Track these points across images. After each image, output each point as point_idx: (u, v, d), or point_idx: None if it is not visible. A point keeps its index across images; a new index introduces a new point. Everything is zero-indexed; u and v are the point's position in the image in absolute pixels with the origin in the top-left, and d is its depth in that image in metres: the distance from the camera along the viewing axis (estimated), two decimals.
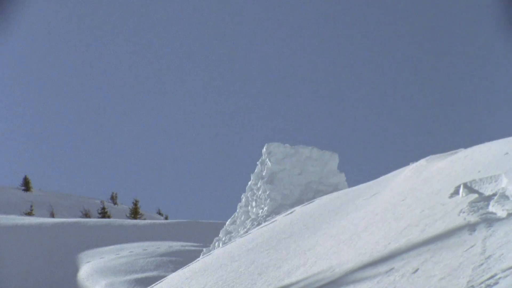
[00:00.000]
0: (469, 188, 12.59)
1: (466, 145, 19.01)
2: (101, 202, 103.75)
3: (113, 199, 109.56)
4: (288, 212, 24.12)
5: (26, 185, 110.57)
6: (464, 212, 11.15)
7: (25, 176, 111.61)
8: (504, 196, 11.11)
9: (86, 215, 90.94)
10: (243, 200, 42.67)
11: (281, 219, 22.18)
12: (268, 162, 43.23)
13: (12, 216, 68.64)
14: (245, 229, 37.82)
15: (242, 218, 41.30)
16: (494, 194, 11.53)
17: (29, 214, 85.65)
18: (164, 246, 51.31)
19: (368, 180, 22.49)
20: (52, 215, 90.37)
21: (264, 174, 42.86)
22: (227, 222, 42.01)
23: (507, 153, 14.51)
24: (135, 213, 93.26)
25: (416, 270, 9.20)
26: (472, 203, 11.51)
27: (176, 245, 51.59)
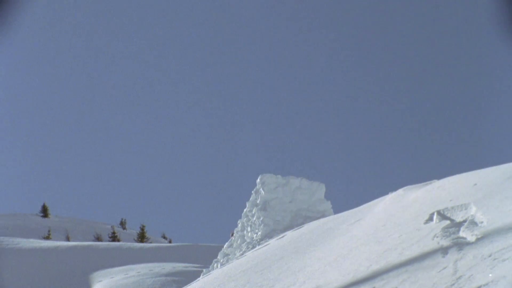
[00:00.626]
0: (442, 215, 12.59)
1: (439, 177, 19.02)
2: (111, 227, 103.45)
3: (122, 224, 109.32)
4: (280, 236, 24.08)
5: (44, 212, 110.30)
6: (437, 237, 11.14)
7: (44, 203, 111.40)
8: (473, 223, 11.11)
9: (98, 238, 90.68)
10: (239, 225, 42.62)
11: (273, 242, 22.13)
12: (262, 191, 43.23)
13: (32, 240, 68.41)
14: (241, 252, 37.72)
15: (238, 242, 41.22)
16: (464, 221, 11.53)
17: (47, 238, 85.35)
18: (168, 267, 51.13)
19: (352, 208, 22.47)
20: (68, 239, 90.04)
21: (258, 202, 42.83)
22: (225, 245, 41.90)
23: (475, 184, 14.52)
24: (142, 237, 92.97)
25: None
26: (444, 229, 11.52)
27: (179, 266, 51.41)
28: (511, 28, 5.63)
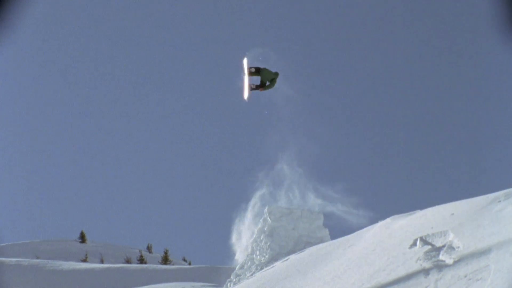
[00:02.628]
0: (424, 241, 12.52)
1: (422, 207, 18.92)
2: (139, 251, 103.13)
3: (149, 248, 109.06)
4: (284, 259, 23.96)
5: (82, 238, 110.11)
6: (420, 260, 11.08)
7: (82, 231, 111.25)
8: (451, 247, 11.05)
9: (128, 261, 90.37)
10: (250, 249, 42.46)
11: (279, 264, 22.01)
12: (269, 219, 43.14)
13: (71, 263, 68.25)
14: (251, 273, 37.54)
15: (249, 264, 41.04)
16: (444, 246, 11.47)
17: (84, 261, 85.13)
18: (188, 286, 50.88)
19: (346, 234, 22.35)
20: (102, 262, 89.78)
21: (265, 229, 42.72)
22: (237, 267, 41.73)
23: (453, 214, 14.46)
24: (165, 260, 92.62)
25: None
26: (426, 253, 11.45)
27: (197, 285, 51.15)
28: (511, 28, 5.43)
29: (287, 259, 22.70)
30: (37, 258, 79.26)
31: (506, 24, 5.48)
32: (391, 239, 15.31)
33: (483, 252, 9.44)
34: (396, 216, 19.23)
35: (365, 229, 20.93)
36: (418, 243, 12.50)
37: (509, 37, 5.45)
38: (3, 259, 65.17)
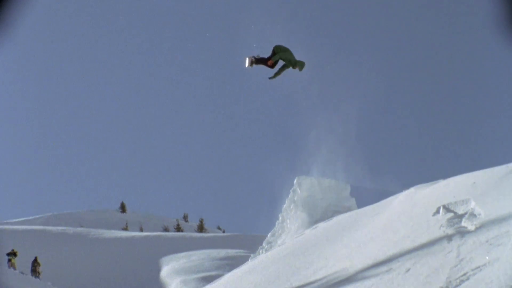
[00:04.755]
0: (447, 209, 12.48)
1: (444, 177, 18.82)
2: (176, 220, 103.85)
3: (185, 218, 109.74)
4: (313, 227, 24.01)
5: (123, 208, 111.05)
6: (443, 227, 11.05)
7: (122, 201, 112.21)
8: (472, 215, 11.01)
9: (166, 230, 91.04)
10: (280, 218, 42.59)
11: (308, 232, 22.07)
12: (298, 190, 43.18)
13: (113, 231, 68.92)
14: (281, 240, 37.67)
15: (280, 232, 41.17)
16: (465, 213, 11.42)
17: (125, 229, 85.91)
18: (222, 252, 51.21)
19: (372, 203, 22.32)
20: (141, 230, 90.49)
21: (295, 199, 42.79)
22: (269, 235, 41.89)
23: (474, 183, 14.37)
24: (201, 228, 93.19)
25: (408, 270, 9.11)
26: (449, 220, 11.41)
27: (231, 252, 51.47)
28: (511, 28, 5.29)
29: (315, 227, 22.74)
30: (81, 227, 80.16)
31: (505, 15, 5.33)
32: (415, 207, 15.27)
33: (504, 219, 9.40)
34: (419, 185, 19.15)
35: (390, 198, 20.88)
36: (441, 211, 12.46)
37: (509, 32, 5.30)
38: (50, 227, 66.09)
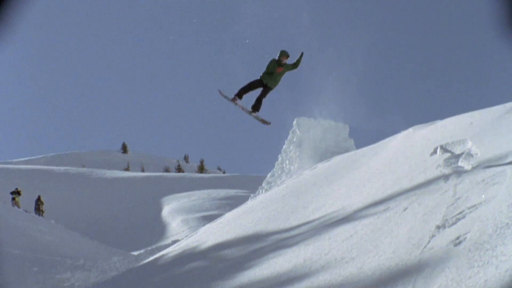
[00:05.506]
0: (444, 149, 12.52)
1: (442, 117, 18.86)
2: (177, 161, 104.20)
3: (186, 159, 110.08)
4: (312, 167, 24.12)
5: (124, 149, 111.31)
6: (440, 166, 11.09)
7: (123, 142, 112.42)
8: (469, 154, 11.04)
9: (167, 170, 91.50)
10: (280, 159, 42.76)
11: (307, 173, 22.17)
12: (298, 131, 43.25)
13: (115, 171, 69.31)
14: (281, 180, 37.91)
15: (279, 172, 41.40)
16: (462, 153, 11.46)
17: (126, 169, 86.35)
18: (222, 192, 51.59)
19: (371, 144, 22.40)
20: (143, 170, 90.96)
21: (294, 140, 42.88)
22: (268, 175, 42.12)
23: (471, 123, 14.39)
24: (201, 169, 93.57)
25: (406, 209, 9.18)
26: (446, 160, 11.46)
27: (231, 192, 51.86)
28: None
29: (314, 168, 22.83)
30: (83, 167, 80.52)
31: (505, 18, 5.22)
32: (413, 148, 15.32)
33: (500, 158, 9.43)
34: (417, 126, 19.18)
35: (388, 139, 20.93)
36: (438, 151, 12.50)
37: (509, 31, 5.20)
38: (53, 167, 66.37)
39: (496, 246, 5.81)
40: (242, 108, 13.03)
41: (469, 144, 11.78)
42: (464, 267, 5.70)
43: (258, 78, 12.92)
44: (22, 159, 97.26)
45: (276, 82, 12.94)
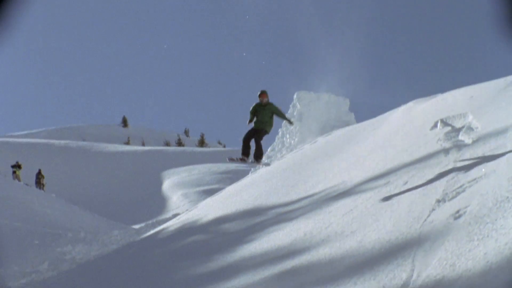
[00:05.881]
0: (444, 123, 12.49)
1: (442, 91, 18.83)
2: (177, 135, 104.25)
3: (186, 133, 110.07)
4: (313, 142, 24.11)
5: (124, 123, 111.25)
6: (441, 140, 11.08)
7: (124, 116, 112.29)
8: (470, 128, 11.02)
9: (167, 144, 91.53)
10: (280, 133, 42.75)
11: (307, 147, 22.18)
12: (298, 105, 43.18)
13: (115, 145, 69.33)
14: (281, 154, 37.93)
15: (279, 147, 41.42)
16: (463, 127, 11.44)
17: (127, 143, 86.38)
18: (223, 167, 51.63)
19: (371, 118, 22.38)
20: (143, 145, 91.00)
21: (295, 114, 42.84)
22: (269, 149, 42.15)
23: (472, 97, 14.36)
24: (202, 143, 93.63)
25: (406, 183, 9.19)
26: (447, 134, 11.44)
27: (231, 166, 51.87)
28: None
29: (315, 142, 22.83)
30: (84, 141, 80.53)
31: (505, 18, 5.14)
32: (413, 121, 15.30)
33: (500, 132, 9.41)
34: (418, 100, 19.15)
35: (388, 113, 20.91)
36: (438, 125, 12.48)
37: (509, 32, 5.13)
38: (53, 141, 66.38)
39: (496, 220, 5.82)
40: (251, 162, 13.67)
41: (470, 118, 11.76)
42: (464, 240, 5.71)
43: (250, 128, 13.49)
44: (23, 132, 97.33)
45: (270, 124, 13.50)
